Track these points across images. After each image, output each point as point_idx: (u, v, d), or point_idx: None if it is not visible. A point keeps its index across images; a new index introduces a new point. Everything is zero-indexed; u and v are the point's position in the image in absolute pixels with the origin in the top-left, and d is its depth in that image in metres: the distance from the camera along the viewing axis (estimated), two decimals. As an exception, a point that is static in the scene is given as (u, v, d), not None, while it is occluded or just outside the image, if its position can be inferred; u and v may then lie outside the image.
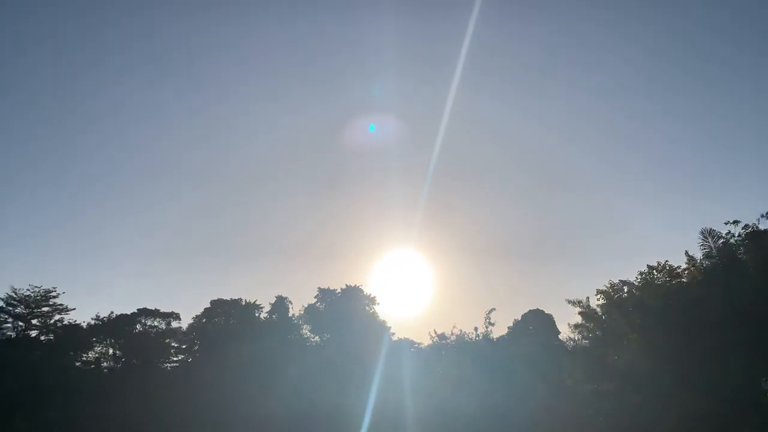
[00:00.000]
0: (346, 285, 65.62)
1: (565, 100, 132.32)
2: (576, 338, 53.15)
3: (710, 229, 36.99)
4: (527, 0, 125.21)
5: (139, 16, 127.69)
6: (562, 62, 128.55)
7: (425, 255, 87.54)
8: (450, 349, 55.39)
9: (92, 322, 64.60)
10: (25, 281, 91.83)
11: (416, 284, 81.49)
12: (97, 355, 64.00)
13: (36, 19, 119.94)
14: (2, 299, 56.68)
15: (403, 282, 78.89)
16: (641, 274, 41.55)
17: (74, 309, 60.39)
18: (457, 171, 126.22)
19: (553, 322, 69.66)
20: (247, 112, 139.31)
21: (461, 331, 55.46)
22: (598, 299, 44.13)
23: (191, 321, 68.94)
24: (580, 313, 48.12)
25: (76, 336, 58.76)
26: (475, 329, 55.15)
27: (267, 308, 66.57)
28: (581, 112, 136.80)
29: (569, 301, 48.34)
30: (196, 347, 66.37)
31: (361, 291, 65.19)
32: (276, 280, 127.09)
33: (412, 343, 65.12)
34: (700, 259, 37.91)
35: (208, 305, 69.99)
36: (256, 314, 67.63)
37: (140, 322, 66.54)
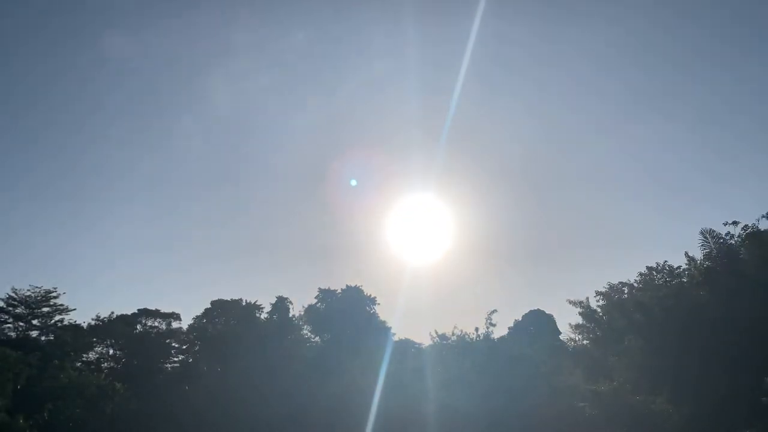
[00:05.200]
0: (347, 285, 65.65)
1: (564, 101, 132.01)
2: (576, 339, 53.21)
3: (710, 230, 36.94)
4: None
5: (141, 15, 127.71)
6: (564, 64, 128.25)
7: (425, 255, 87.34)
8: (451, 350, 55.22)
9: (93, 322, 64.86)
10: (25, 281, 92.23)
11: (417, 283, 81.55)
12: (97, 355, 64.24)
13: (35, 13, 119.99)
14: (3, 300, 56.89)
15: (404, 280, 78.88)
16: (641, 275, 41.58)
17: (74, 309, 60.67)
18: (458, 171, 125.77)
19: (554, 323, 69.63)
20: (248, 111, 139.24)
21: (462, 331, 55.26)
22: (598, 300, 44.23)
23: (191, 321, 69.16)
24: (580, 313, 48.23)
25: (76, 336, 58.86)
26: (476, 330, 54.95)
27: (267, 308, 66.64)
28: (580, 112, 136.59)
29: (570, 302, 48.45)
30: (197, 347, 66.51)
31: (362, 291, 65.19)
32: (276, 280, 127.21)
33: (412, 343, 65.13)
34: (700, 260, 37.86)
35: (209, 305, 70.17)
36: (257, 314, 67.72)
37: (141, 322, 66.76)
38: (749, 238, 36.44)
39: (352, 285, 65.45)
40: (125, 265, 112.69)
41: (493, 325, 53.07)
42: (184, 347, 67.63)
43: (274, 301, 65.63)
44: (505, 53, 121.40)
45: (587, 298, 47.02)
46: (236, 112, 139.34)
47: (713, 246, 37.11)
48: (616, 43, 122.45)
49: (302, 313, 65.31)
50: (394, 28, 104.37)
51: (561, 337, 61.91)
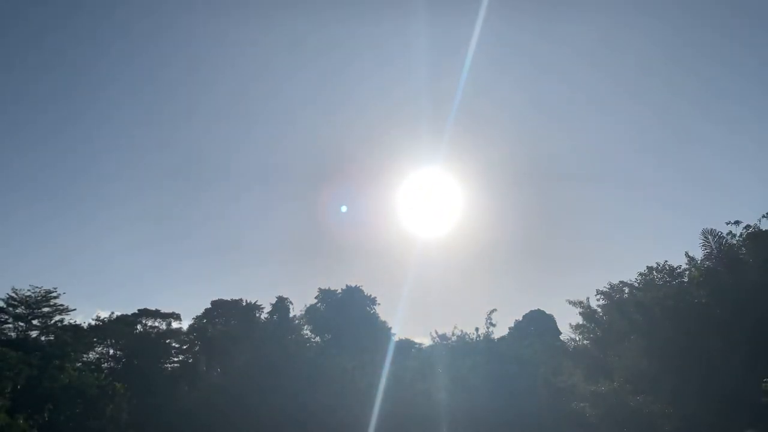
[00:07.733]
0: (347, 285, 65.76)
1: (564, 101, 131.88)
2: (577, 339, 53.05)
3: (711, 230, 36.89)
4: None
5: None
6: (565, 64, 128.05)
7: (425, 254, 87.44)
8: (451, 350, 55.17)
9: (93, 322, 64.82)
10: (25, 281, 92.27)
11: (418, 283, 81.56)
12: (97, 355, 64.14)
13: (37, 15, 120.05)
14: (3, 300, 56.88)
15: (405, 280, 78.98)
16: (641, 274, 41.51)
17: (74, 309, 60.64)
18: (458, 170, 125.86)
19: (554, 323, 69.60)
20: (248, 109, 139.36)
21: (462, 331, 55.23)
22: (599, 300, 44.17)
23: (192, 321, 69.14)
24: (580, 313, 48.14)
25: (76, 336, 58.81)
26: (476, 330, 54.91)
27: (267, 309, 66.65)
28: (580, 113, 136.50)
29: (570, 302, 48.37)
30: (197, 347, 66.45)
31: (362, 291, 65.28)
32: (276, 280, 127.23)
33: (412, 343, 65.17)
34: (701, 260, 37.79)
35: (209, 306, 70.20)
36: (257, 315, 67.79)
37: (141, 322, 66.71)
38: (750, 239, 36.37)
39: (352, 285, 65.58)
40: (125, 265, 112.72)
41: (493, 325, 52.99)
42: (184, 347, 67.54)
43: (274, 302, 65.67)
44: (509, 45, 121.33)
45: (588, 298, 46.98)
46: (236, 110, 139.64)
47: (714, 246, 37.04)
48: (617, 39, 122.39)
49: (302, 313, 65.34)
50: (399, 16, 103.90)
51: (561, 337, 61.78)
